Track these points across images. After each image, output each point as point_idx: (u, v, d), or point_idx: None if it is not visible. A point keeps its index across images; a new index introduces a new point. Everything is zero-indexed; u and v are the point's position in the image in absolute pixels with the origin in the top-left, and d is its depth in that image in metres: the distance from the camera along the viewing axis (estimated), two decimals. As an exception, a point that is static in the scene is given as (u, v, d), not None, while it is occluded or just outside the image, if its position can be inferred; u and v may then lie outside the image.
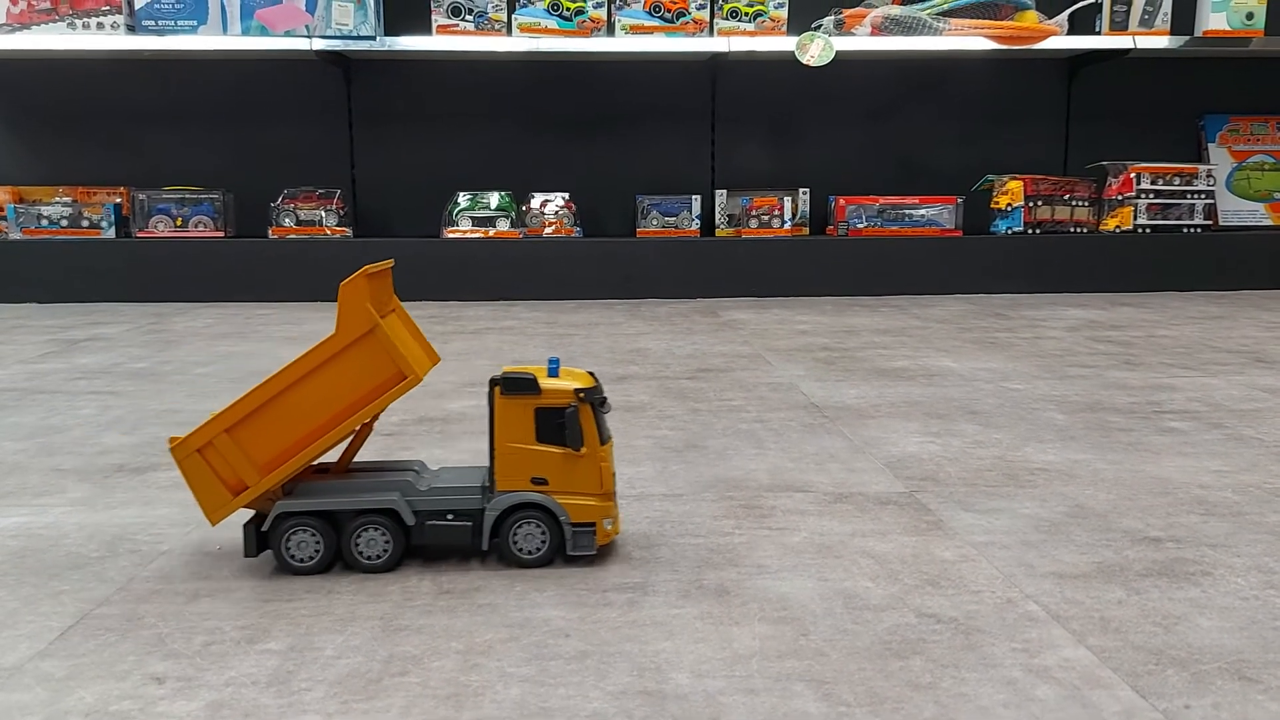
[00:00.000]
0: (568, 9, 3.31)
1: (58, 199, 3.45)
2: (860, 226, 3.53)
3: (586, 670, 0.83)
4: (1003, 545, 1.11)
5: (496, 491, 1.04)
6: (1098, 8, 3.47)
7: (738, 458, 1.46)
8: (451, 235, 3.41)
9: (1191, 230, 3.54)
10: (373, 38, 3.27)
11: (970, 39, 3.32)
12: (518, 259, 3.37)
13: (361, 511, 1.03)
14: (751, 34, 3.37)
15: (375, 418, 1.07)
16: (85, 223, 3.39)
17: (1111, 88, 3.76)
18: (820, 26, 3.37)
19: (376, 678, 0.82)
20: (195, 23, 3.25)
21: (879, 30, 3.33)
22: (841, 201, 3.54)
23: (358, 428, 1.06)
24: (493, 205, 3.43)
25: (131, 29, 3.26)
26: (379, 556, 1.03)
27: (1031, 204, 3.52)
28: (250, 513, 1.06)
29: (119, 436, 1.60)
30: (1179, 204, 3.54)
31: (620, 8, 3.34)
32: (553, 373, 1.04)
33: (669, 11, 3.34)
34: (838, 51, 3.28)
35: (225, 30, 3.27)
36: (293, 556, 1.02)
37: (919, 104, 3.76)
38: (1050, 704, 0.77)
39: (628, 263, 3.40)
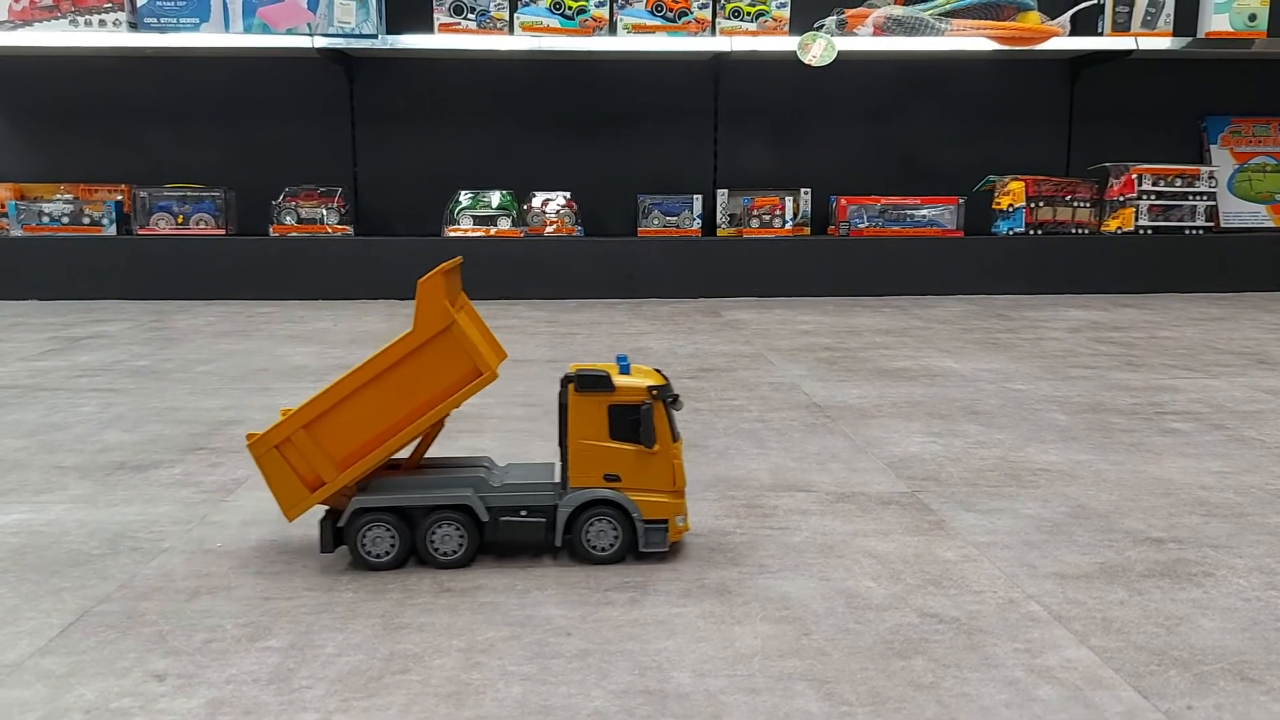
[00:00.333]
0: (570, 8, 3.31)
1: (59, 196, 3.45)
2: (862, 226, 3.53)
3: (588, 669, 0.82)
4: (1005, 545, 1.11)
5: (570, 488, 1.04)
6: (1100, 9, 3.47)
7: (739, 457, 1.46)
8: (453, 234, 3.41)
9: (1193, 232, 3.53)
10: (375, 36, 3.27)
11: (972, 40, 3.32)
12: (519, 258, 3.37)
13: (436, 508, 1.03)
14: (754, 34, 3.36)
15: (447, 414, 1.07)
16: (86, 220, 3.38)
17: (1113, 89, 3.76)
18: (822, 26, 3.36)
19: (377, 676, 0.81)
20: (197, 20, 3.25)
21: (881, 30, 3.33)
22: (843, 201, 3.54)
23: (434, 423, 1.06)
24: (494, 204, 3.43)
25: (133, 26, 3.26)
26: (454, 552, 1.03)
27: (1033, 205, 3.52)
28: (315, 509, 1.06)
29: (120, 434, 1.60)
30: (1181, 205, 3.54)
31: (622, 7, 3.34)
32: (624, 370, 1.04)
33: (671, 11, 3.34)
34: (840, 51, 3.28)
35: (227, 28, 3.27)
36: (368, 552, 1.03)
37: (921, 104, 3.76)
38: (1052, 704, 0.77)
39: (629, 262, 3.40)
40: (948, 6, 3.34)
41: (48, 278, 3.30)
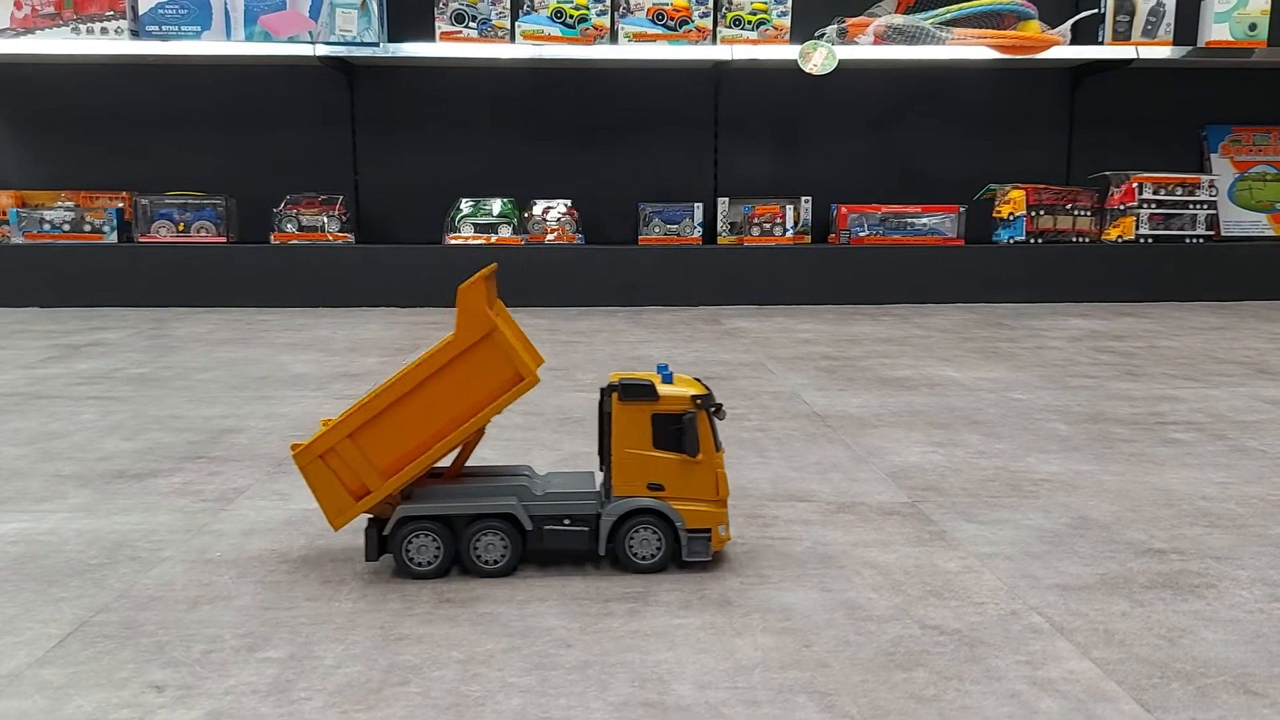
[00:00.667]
0: (571, 16, 3.32)
1: (60, 203, 3.45)
2: (862, 235, 3.53)
3: (588, 681, 0.82)
4: (1006, 556, 1.10)
5: (613, 497, 1.04)
6: (1100, 18, 3.47)
7: (740, 466, 1.45)
8: (454, 241, 3.41)
9: (1193, 240, 3.53)
10: (376, 44, 3.27)
11: (973, 48, 3.32)
12: (520, 266, 3.37)
13: (480, 516, 1.03)
14: (754, 42, 3.37)
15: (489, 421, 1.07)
16: (87, 227, 3.39)
17: (1114, 98, 3.77)
18: (823, 35, 3.37)
19: (377, 687, 0.81)
20: (199, 28, 3.25)
21: (882, 39, 3.33)
22: (844, 210, 3.54)
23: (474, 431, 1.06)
24: (495, 212, 3.43)
25: (135, 34, 3.26)
26: (497, 561, 1.04)
27: (1033, 213, 3.52)
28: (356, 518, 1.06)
29: (120, 442, 1.60)
30: (1181, 214, 3.54)
31: (624, 15, 3.35)
32: (666, 379, 1.05)
33: (672, 19, 3.34)
34: (840, 60, 3.28)
35: (229, 36, 3.27)
36: (413, 560, 1.03)
37: (921, 113, 3.77)
38: (1054, 717, 0.76)
39: (630, 270, 3.40)
40: (948, 15, 3.34)
41: (48, 285, 3.30)
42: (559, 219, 3.46)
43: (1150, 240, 3.52)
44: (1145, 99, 3.78)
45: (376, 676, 0.83)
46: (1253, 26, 3.44)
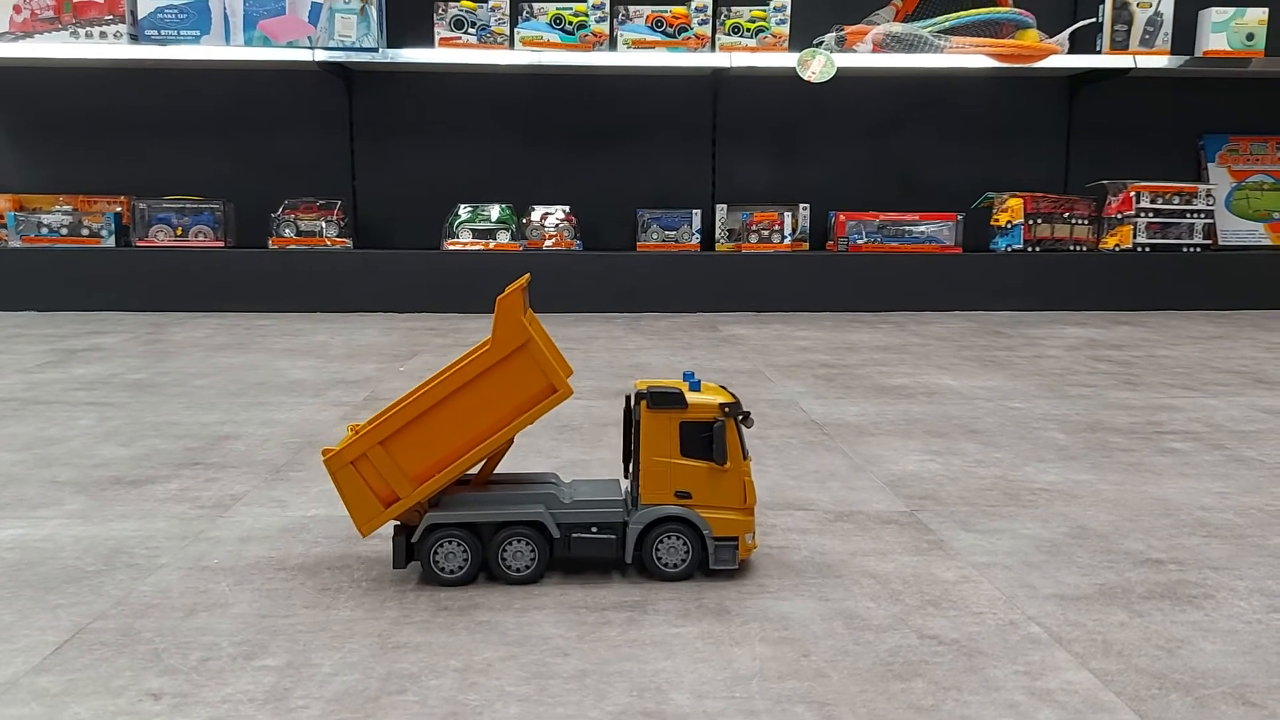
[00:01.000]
0: (570, 23, 3.32)
1: (58, 207, 3.45)
2: (860, 242, 3.53)
3: (586, 690, 0.82)
4: (1004, 566, 1.10)
5: (640, 504, 1.04)
6: (1099, 27, 3.48)
7: (738, 474, 1.45)
8: (452, 247, 3.41)
9: (1191, 249, 3.54)
10: (375, 49, 3.28)
11: (971, 57, 3.33)
12: (518, 271, 3.36)
13: (508, 524, 1.03)
14: (753, 50, 3.37)
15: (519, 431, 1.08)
16: (85, 231, 3.38)
17: (1112, 107, 3.78)
18: (822, 43, 3.37)
19: (374, 696, 0.81)
20: (198, 33, 3.25)
21: (880, 47, 3.34)
22: (842, 217, 3.54)
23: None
24: (493, 218, 3.43)
25: (134, 38, 3.26)
26: (525, 568, 1.04)
27: (1031, 222, 3.53)
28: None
29: (116, 448, 1.59)
30: (1178, 223, 3.54)
31: (623, 22, 3.35)
32: (694, 387, 1.05)
33: (671, 27, 3.35)
34: (839, 68, 3.29)
35: (228, 40, 3.27)
36: (440, 567, 1.03)
37: (920, 121, 3.77)
38: (1053, 729, 0.76)
39: (628, 276, 3.40)
40: (947, 24, 3.35)
41: (46, 289, 3.29)
42: (557, 225, 3.46)
43: (1148, 249, 3.52)
44: (1143, 108, 3.79)
45: (374, 685, 0.83)
46: (1250, 36, 3.45)
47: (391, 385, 2.09)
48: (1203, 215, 3.55)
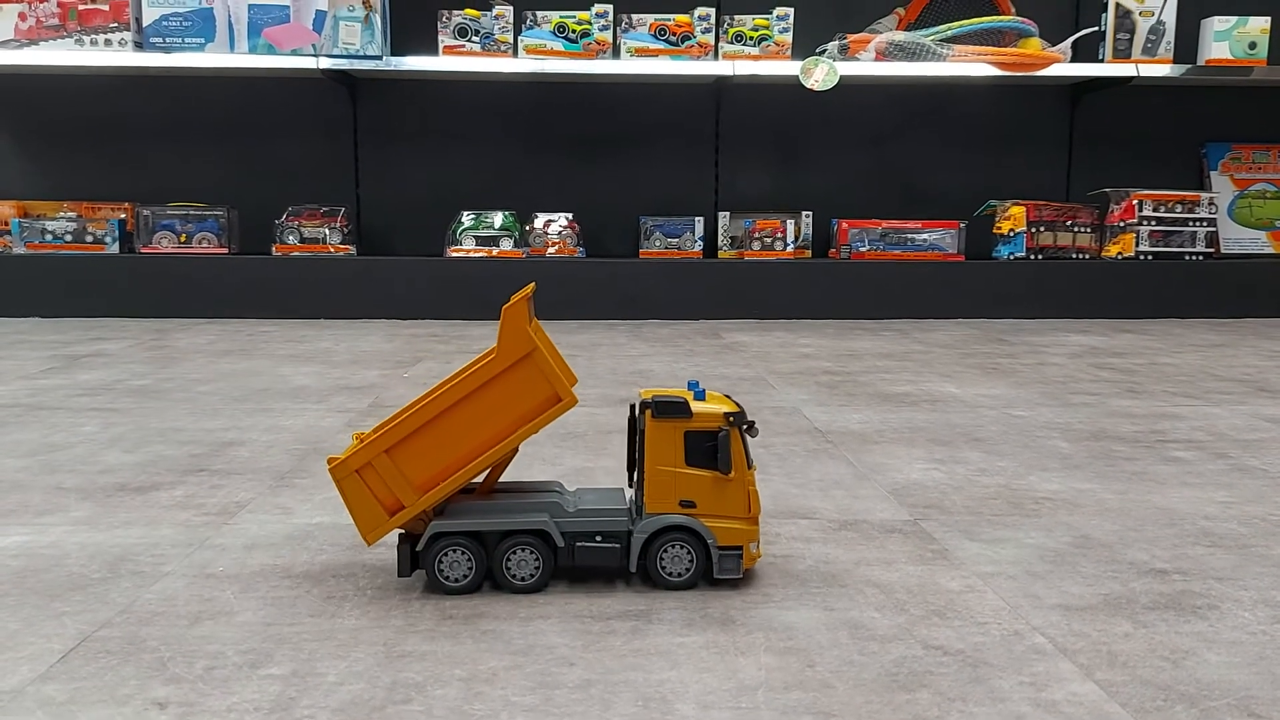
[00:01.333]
0: (574, 31, 3.33)
1: (62, 214, 3.46)
2: (863, 250, 3.54)
3: (591, 700, 0.82)
4: (1009, 576, 1.10)
5: (645, 514, 1.04)
6: (1101, 36, 3.49)
7: (741, 483, 1.45)
8: (455, 254, 3.42)
9: (1193, 258, 3.54)
10: (379, 57, 3.29)
11: (974, 65, 3.34)
12: (521, 279, 3.37)
13: (513, 532, 1.04)
14: (756, 58, 3.38)
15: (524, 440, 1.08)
16: (89, 238, 3.39)
17: (1114, 115, 3.78)
18: (825, 51, 3.38)
19: (379, 705, 0.81)
20: (203, 40, 3.26)
21: (883, 56, 3.34)
22: (844, 225, 3.55)
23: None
24: (496, 225, 3.44)
25: (139, 46, 3.27)
26: (530, 577, 1.04)
27: (1034, 230, 3.53)
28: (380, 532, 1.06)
29: (121, 455, 1.59)
30: (1181, 231, 3.55)
31: (626, 30, 3.36)
32: (699, 396, 1.05)
33: (674, 35, 3.36)
34: (842, 76, 3.29)
35: (232, 48, 3.28)
36: (445, 576, 1.03)
37: (922, 129, 3.78)
38: (1059, 740, 0.76)
39: (630, 283, 3.40)
40: (949, 32, 3.36)
41: (50, 296, 3.30)
42: (560, 232, 3.47)
43: (1150, 257, 3.53)
44: (1145, 116, 3.80)
45: (379, 694, 0.83)
46: (1252, 45, 3.46)
47: (395, 392, 2.09)
48: (1205, 224, 3.55)
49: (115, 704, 0.81)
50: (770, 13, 3.39)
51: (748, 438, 1.06)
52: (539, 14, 3.34)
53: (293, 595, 1.03)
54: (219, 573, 1.10)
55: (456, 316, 3.35)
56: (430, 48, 3.38)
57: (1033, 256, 3.53)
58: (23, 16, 3.23)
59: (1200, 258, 3.54)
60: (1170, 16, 3.45)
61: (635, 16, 3.37)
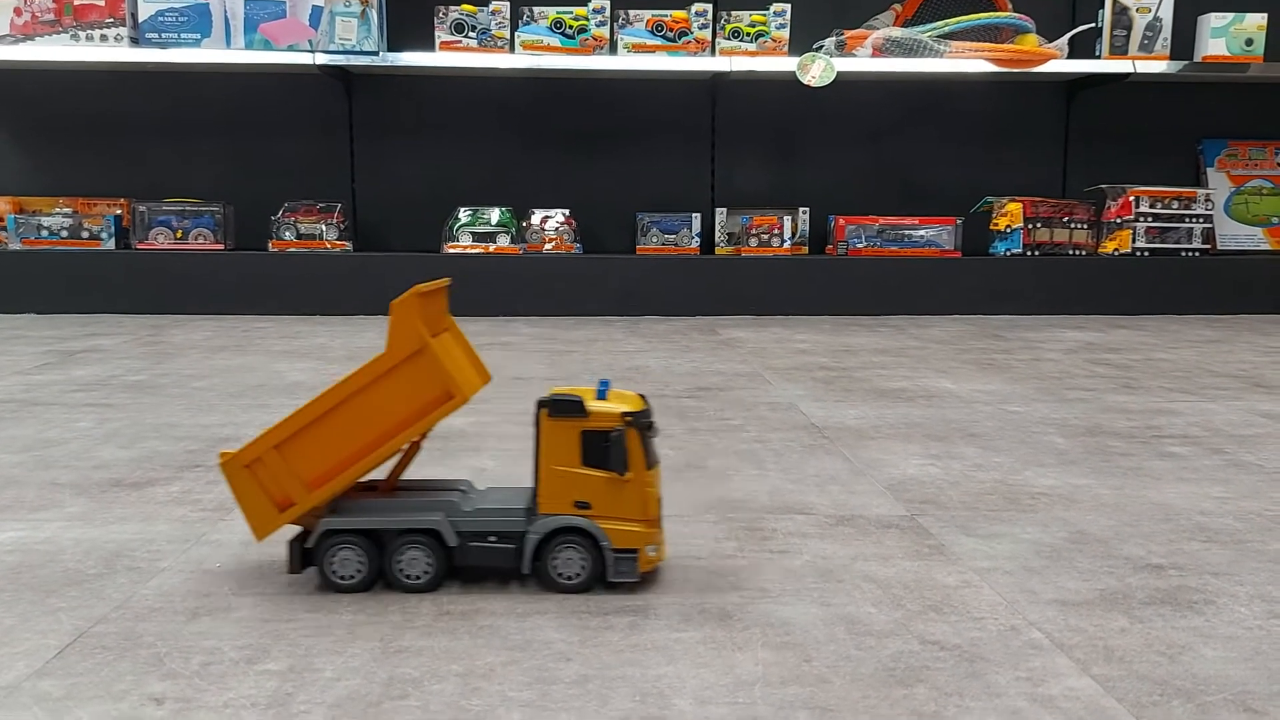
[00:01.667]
0: (571, 27, 3.33)
1: (58, 210, 3.45)
2: (859, 246, 3.54)
3: (588, 695, 0.82)
4: (1005, 571, 1.10)
5: (539, 514, 1.03)
6: (1098, 32, 3.49)
7: (738, 478, 1.45)
8: (452, 250, 3.41)
9: (1189, 254, 3.55)
10: (375, 53, 3.28)
11: (971, 61, 3.34)
12: (517, 275, 3.37)
13: (405, 531, 1.02)
14: (753, 54, 3.38)
15: (424, 435, 1.07)
16: (85, 234, 3.38)
17: (1111, 111, 3.78)
18: (822, 47, 3.38)
19: (376, 701, 0.81)
20: (198, 36, 3.26)
21: (880, 52, 3.34)
22: (841, 221, 3.55)
23: (406, 445, 1.06)
24: (493, 221, 3.44)
25: (135, 41, 3.27)
26: (421, 576, 1.03)
27: (1030, 226, 3.53)
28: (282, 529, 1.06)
29: (116, 450, 1.59)
30: (1177, 228, 3.55)
31: (623, 26, 3.36)
32: (601, 395, 1.04)
33: (671, 31, 3.35)
34: (839, 72, 3.29)
35: (228, 44, 3.28)
36: (336, 574, 1.02)
37: (919, 125, 3.78)
38: (1055, 734, 0.76)
39: (627, 280, 3.40)
40: (946, 29, 3.36)
41: (45, 291, 3.29)
42: (557, 228, 3.46)
43: (1146, 253, 3.53)
44: (1142, 113, 3.80)
45: (376, 689, 0.83)
46: (1249, 41, 3.46)
47: (391, 388, 2.09)
48: (1201, 220, 3.55)
49: (111, 699, 0.81)
50: (767, 9, 3.39)
51: (649, 438, 1.04)
52: (535, 9, 3.33)
53: (289, 591, 1.03)
54: (215, 568, 1.10)
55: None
56: (427, 43, 3.38)
57: (1029, 253, 3.53)
58: (18, 11, 3.22)
59: (1196, 254, 3.55)
60: (1167, 13, 3.45)
61: (632, 12, 3.36)
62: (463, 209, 3.45)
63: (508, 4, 3.33)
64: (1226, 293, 3.52)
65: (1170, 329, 3.14)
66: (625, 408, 1.02)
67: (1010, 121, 3.79)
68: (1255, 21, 3.46)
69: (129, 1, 3.23)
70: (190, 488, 1.40)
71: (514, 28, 3.34)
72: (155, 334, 2.87)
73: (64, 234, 3.38)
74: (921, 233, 3.55)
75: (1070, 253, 3.56)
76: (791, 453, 1.60)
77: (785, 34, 3.39)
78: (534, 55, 3.33)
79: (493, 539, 1.03)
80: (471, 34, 3.33)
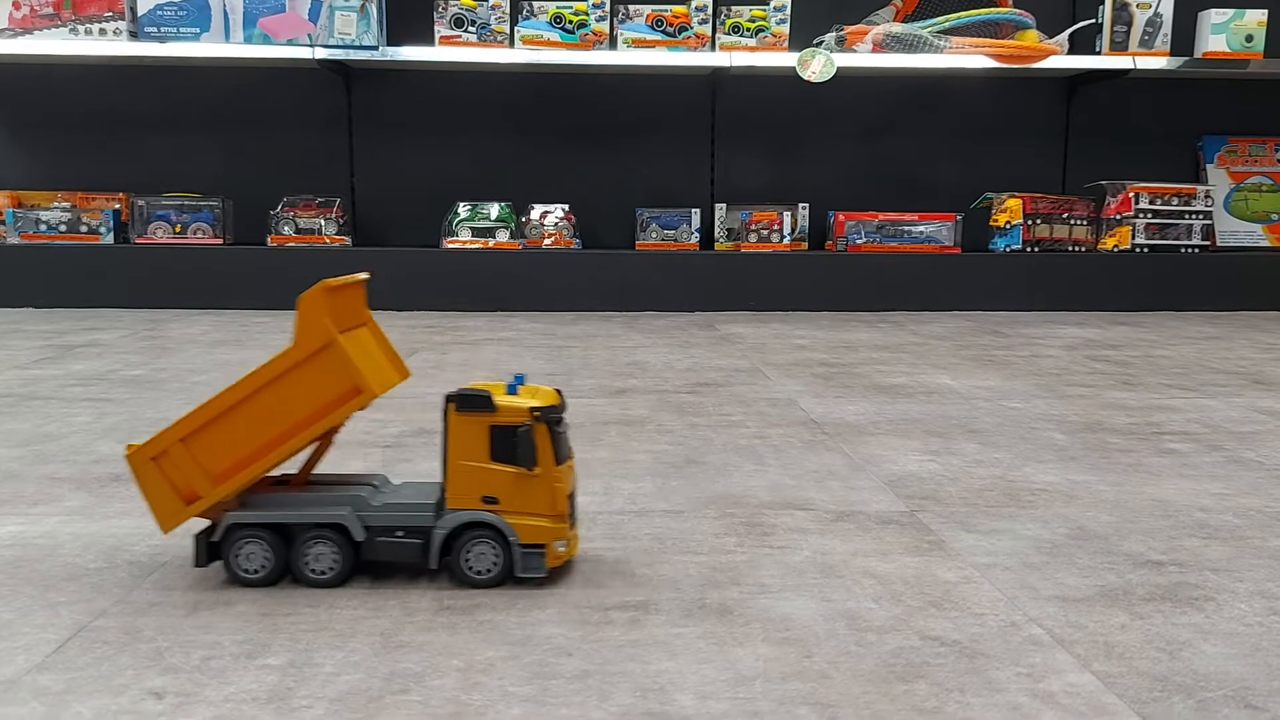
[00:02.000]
0: (570, 22, 3.32)
1: (57, 204, 3.44)
2: (859, 242, 3.53)
3: (588, 690, 0.82)
4: (1005, 567, 1.10)
5: (447, 509, 1.02)
6: (1098, 28, 3.48)
7: (738, 474, 1.45)
8: (451, 245, 3.41)
9: (1189, 250, 3.55)
10: (375, 47, 3.27)
11: (971, 57, 3.34)
12: (517, 270, 3.37)
13: (311, 525, 1.02)
14: (753, 49, 3.38)
15: (335, 430, 1.06)
16: (84, 228, 3.38)
17: (1111, 108, 3.78)
18: (822, 43, 3.38)
19: (377, 695, 0.81)
20: (197, 30, 3.25)
21: (880, 47, 3.34)
22: (841, 217, 3.54)
23: (317, 440, 1.05)
24: (492, 216, 3.43)
25: (134, 35, 3.26)
26: (327, 571, 1.02)
27: (1030, 222, 3.53)
28: (199, 522, 1.05)
29: (115, 445, 1.59)
30: (1177, 224, 3.55)
31: (623, 21, 3.35)
32: (512, 390, 1.03)
33: (671, 26, 3.35)
34: (839, 68, 3.29)
35: (227, 38, 3.27)
36: (241, 568, 1.02)
37: (919, 121, 3.77)
38: (1056, 730, 0.76)
39: (626, 275, 3.40)
40: (946, 24, 3.35)
41: (44, 286, 3.29)
42: (556, 224, 3.46)
43: (1146, 250, 3.53)
44: (1142, 109, 3.79)
45: (376, 684, 0.83)
46: (1249, 38, 3.46)
47: (391, 383, 2.09)
48: (1201, 216, 3.55)
49: (111, 694, 0.81)
50: (767, 4, 3.39)
51: (560, 433, 1.03)
52: (535, 4, 3.33)
53: (289, 585, 1.03)
54: (216, 563, 1.09)
55: (452, 308, 3.34)
56: (426, 38, 3.37)
57: (1029, 249, 3.53)
58: (17, 5, 3.22)
59: (1196, 250, 3.55)
60: (1167, 9, 3.44)
61: (632, 7, 3.36)
62: (462, 204, 3.45)
63: (507, -2, 3.33)
64: (1226, 289, 3.52)
65: (1170, 325, 3.14)
66: (534, 402, 1.01)
67: (1010, 117, 3.79)
68: (1255, 18, 3.46)
69: (128, -5, 3.22)
70: (190, 482, 1.39)
71: (514, 22, 3.33)
72: (154, 328, 2.86)
73: (63, 228, 3.37)
74: (921, 229, 3.54)
75: (1070, 249, 3.56)
76: (791, 448, 1.60)
77: (785, 29, 3.39)
78: (534, 50, 3.32)
79: (400, 534, 1.02)
80: (471, 29, 3.32)
